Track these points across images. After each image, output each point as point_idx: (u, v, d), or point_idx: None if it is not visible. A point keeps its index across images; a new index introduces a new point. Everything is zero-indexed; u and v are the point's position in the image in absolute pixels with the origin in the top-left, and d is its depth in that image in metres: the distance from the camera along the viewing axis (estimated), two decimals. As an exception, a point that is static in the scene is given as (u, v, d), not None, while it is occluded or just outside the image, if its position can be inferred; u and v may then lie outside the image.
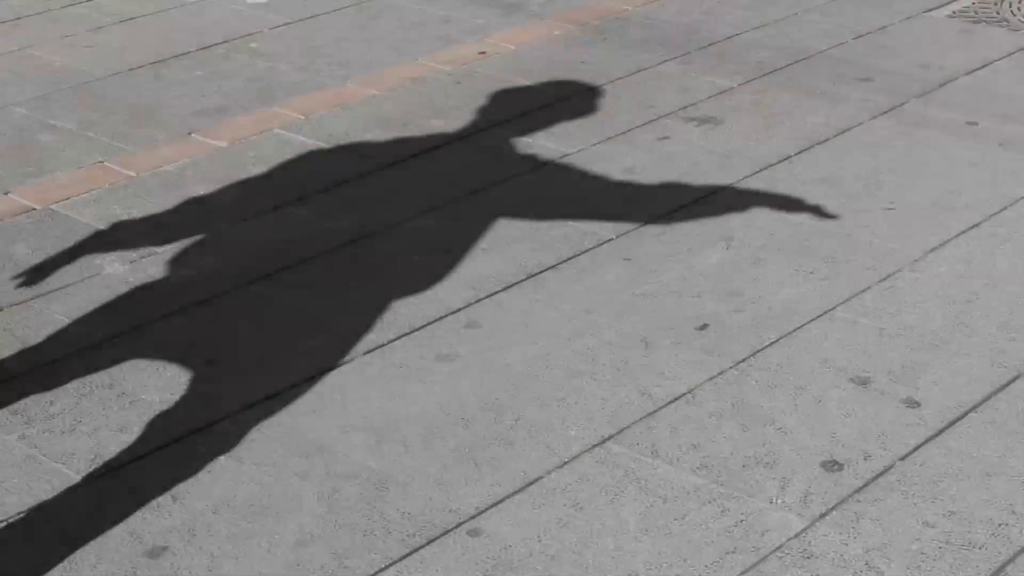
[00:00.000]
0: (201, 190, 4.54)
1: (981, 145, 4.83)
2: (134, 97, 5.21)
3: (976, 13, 6.01)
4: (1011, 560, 3.01)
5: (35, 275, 4.04)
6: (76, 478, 3.25)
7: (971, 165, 4.69)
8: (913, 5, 6.07)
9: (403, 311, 3.90)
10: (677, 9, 6.05)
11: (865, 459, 3.32)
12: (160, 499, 3.19)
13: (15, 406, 3.50)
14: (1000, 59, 5.54)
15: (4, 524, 3.11)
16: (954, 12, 6.02)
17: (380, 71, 5.44)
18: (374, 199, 4.48)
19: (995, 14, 6.00)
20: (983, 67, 5.47)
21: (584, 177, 4.61)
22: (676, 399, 3.54)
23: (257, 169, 4.68)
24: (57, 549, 3.03)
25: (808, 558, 3.02)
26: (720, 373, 3.64)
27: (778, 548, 3.05)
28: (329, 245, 4.22)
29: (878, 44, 5.68)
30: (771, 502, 3.19)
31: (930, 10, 6.03)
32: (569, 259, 4.14)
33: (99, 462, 3.30)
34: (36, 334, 3.79)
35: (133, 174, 4.64)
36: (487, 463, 3.31)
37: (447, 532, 3.10)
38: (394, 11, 6.04)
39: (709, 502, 3.19)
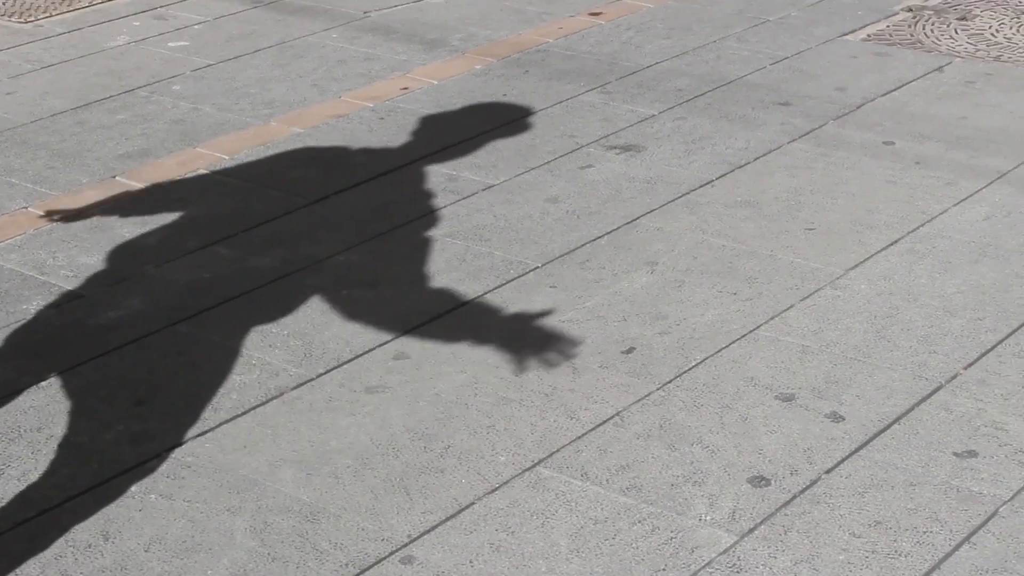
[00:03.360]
0: (126, 232, 4.54)
1: (898, 164, 4.92)
2: (57, 142, 5.20)
3: (891, 36, 6.11)
4: (936, 567, 3.06)
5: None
6: (6, 522, 3.24)
7: (889, 183, 4.77)
8: (829, 30, 6.17)
9: (331, 345, 3.91)
10: (596, 40, 6.11)
11: (791, 474, 3.37)
12: (91, 539, 3.18)
13: (-57, 452, 3.49)
14: (915, 80, 5.64)
15: (-66, 570, 3.10)
16: (869, 35, 6.12)
17: (303, 109, 5.46)
18: (299, 235, 4.50)
19: (909, 36, 6.10)
20: (898, 88, 5.56)
21: (508, 207, 4.65)
22: (604, 422, 3.57)
23: (182, 210, 4.69)
24: (-12, 593, 3.03)
25: (738, 572, 3.05)
26: (647, 395, 3.68)
27: (708, 564, 3.08)
28: (255, 283, 4.23)
29: (795, 69, 5.77)
30: (700, 519, 3.22)
31: (845, 34, 6.13)
32: (495, 288, 4.18)
33: (29, 505, 3.29)
34: (-37, 380, 3.78)
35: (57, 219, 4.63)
36: (418, 491, 3.33)
37: (380, 561, 3.11)
38: (316, 50, 6.08)
39: (639, 522, 3.22)
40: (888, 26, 6.23)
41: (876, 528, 3.18)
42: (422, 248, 4.41)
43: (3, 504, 3.30)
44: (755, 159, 4.98)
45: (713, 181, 4.82)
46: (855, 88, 5.56)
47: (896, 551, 3.11)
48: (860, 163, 4.93)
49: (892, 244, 4.38)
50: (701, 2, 6.54)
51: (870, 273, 4.23)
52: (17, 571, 3.08)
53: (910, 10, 6.40)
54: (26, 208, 4.71)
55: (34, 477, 3.39)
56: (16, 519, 3.25)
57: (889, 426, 3.53)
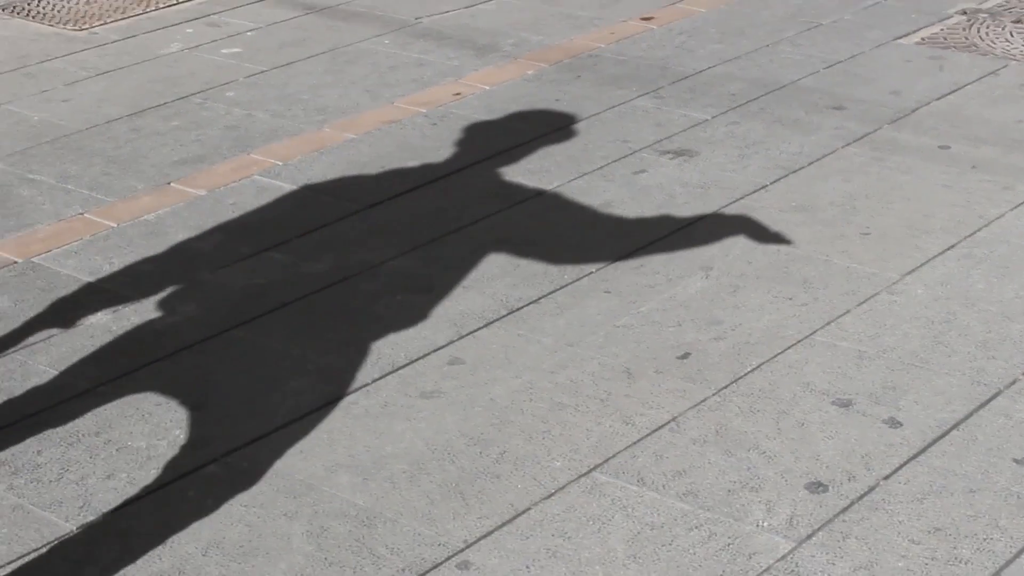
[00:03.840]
0: (181, 238, 4.57)
1: (954, 168, 4.88)
2: (112, 149, 5.24)
3: (945, 39, 6.07)
4: (996, 574, 3.03)
5: (19, 328, 4.05)
6: (65, 526, 3.26)
7: (945, 188, 4.74)
8: (883, 33, 6.14)
9: (386, 350, 3.92)
10: (649, 45, 6.10)
11: (849, 480, 3.35)
12: (150, 543, 3.19)
13: (1, 456, 3.51)
14: (970, 84, 5.60)
15: (-6, 574, 3.12)
16: (923, 39, 6.09)
17: (356, 115, 5.48)
18: (353, 241, 4.51)
19: (964, 39, 6.06)
20: (953, 92, 5.52)
21: (562, 212, 4.65)
22: (660, 427, 3.56)
23: (236, 216, 4.71)
24: (48, 596, 3.05)
25: (796, 579, 3.04)
26: (703, 400, 3.66)
27: (766, 570, 3.07)
28: (310, 288, 4.25)
29: (849, 73, 5.74)
30: (757, 525, 3.21)
31: (899, 38, 6.09)
32: (549, 293, 4.17)
33: (88, 509, 3.31)
34: (21, 385, 3.80)
35: (113, 224, 4.66)
36: (474, 496, 3.33)
37: (436, 566, 3.11)
38: (368, 56, 6.09)
39: (696, 527, 3.21)
40: (942, 29, 6.19)
41: (936, 535, 3.16)
42: (476, 253, 4.41)
43: (62, 507, 3.31)
44: (809, 163, 4.96)
45: (767, 186, 4.80)
46: (910, 92, 5.53)
47: (956, 558, 3.09)
48: (916, 167, 4.90)
49: (949, 249, 4.35)
50: (753, 6, 6.52)
51: (927, 278, 4.20)
52: (77, 575, 3.10)
53: (964, 13, 6.36)
54: (82, 214, 4.74)
55: (93, 481, 3.41)
56: (76, 522, 3.26)
57: (948, 432, 3.51)
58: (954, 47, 5.99)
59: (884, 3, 6.48)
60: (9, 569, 3.13)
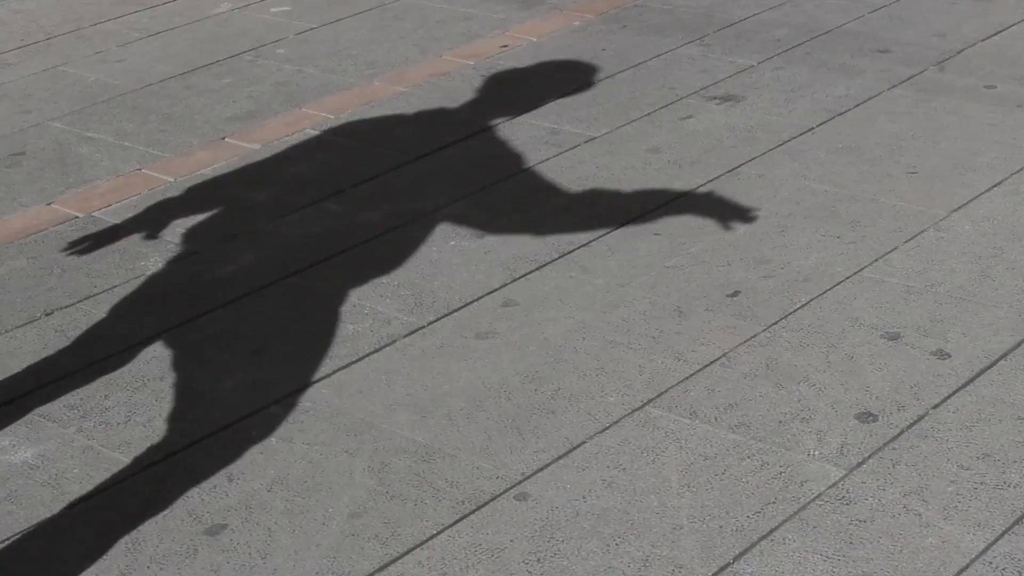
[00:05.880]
0: (237, 191, 4.66)
1: (1000, 107, 4.91)
2: (167, 106, 5.33)
3: (989, -18, 6.07)
4: (1045, 496, 3.09)
5: (84, 278, 4.16)
6: (135, 465, 3.36)
7: (991, 126, 4.77)
8: (927, -23, 6.15)
9: (440, 294, 4.00)
10: (694, -6, 6.14)
11: (899, 410, 3.40)
12: (216, 480, 3.29)
13: (70, 401, 3.61)
14: (1015, 24, 5.61)
15: (67, 511, 3.22)
16: (968, -18, 6.09)
17: (405, 69, 5.54)
18: (406, 190, 4.59)
19: (1008, -19, 6.06)
20: (998, 33, 5.54)
21: (610, 158, 4.71)
22: (711, 363, 3.62)
23: (291, 168, 4.79)
24: (120, 530, 3.14)
25: (847, 504, 3.10)
26: (753, 336, 3.72)
27: (817, 496, 3.13)
28: (365, 236, 4.32)
29: (894, 16, 5.76)
30: (809, 455, 3.27)
31: (944, -19, 6.11)
32: (600, 236, 4.23)
33: (156, 449, 3.41)
34: (87, 334, 3.90)
35: (171, 179, 4.75)
36: (530, 431, 3.41)
37: (495, 498, 3.19)
38: (416, 11, 6.15)
39: (748, 457, 3.28)
40: (987, -28, 6.18)
41: (984, 460, 3.21)
42: (526, 199, 4.47)
43: (132, 448, 3.41)
44: (855, 106, 4.99)
45: (814, 128, 4.84)
46: (955, 33, 5.55)
47: (1005, 482, 3.14)
48: (962, 107, 4.93)
49: (995, 185, 4.39)
50: (797, -46, 6.54)
51: (973, 214, 4.23)
52: (147, 509, 3.20)
53: (1009, -45, 6.35)
54: (140, 170, 4.83)
55: (159, 423, 3.51)
56: (144, 462, 3.36)
57: (995, 362, 3.55)
58: (999, -11, 5.99)
59: (928, -53, 6.49)
60: (82, 507, 3.23)
